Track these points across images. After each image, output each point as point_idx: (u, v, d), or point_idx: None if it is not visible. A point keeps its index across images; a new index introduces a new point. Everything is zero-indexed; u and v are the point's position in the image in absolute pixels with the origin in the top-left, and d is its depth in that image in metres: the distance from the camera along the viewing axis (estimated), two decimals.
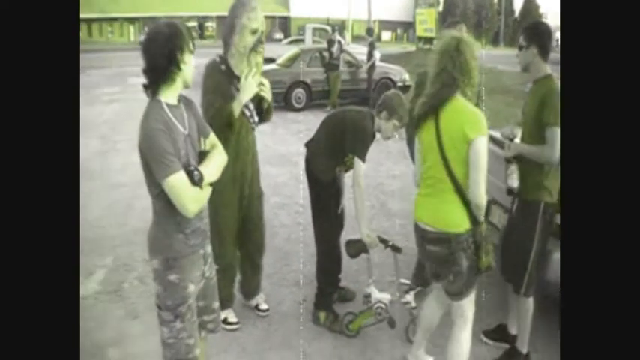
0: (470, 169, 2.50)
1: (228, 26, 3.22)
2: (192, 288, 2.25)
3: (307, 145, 3.68)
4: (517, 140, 3.23)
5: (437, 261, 2.64)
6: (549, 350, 3.31)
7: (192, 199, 2.08)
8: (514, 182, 3.00)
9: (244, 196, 3.47)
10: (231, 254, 3.52)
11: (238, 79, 3.22)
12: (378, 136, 3.50)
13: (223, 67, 3.26)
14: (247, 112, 3.34)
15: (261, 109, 3.47)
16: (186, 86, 2.19)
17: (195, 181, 2.08)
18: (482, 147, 2.49)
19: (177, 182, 2.03)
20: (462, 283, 2.62)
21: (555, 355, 3.13)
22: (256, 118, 3.44)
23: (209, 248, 2.41)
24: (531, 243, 2.99)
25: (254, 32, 3.18)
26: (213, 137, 2.37)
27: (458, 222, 2.55)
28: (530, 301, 3.12)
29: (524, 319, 3.15)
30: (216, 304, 2.51)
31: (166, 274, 2.19)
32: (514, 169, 3.01)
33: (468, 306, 2.75)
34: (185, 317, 2.22)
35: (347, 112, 3.60)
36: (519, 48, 3.06)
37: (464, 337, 2.78)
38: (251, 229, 3.58)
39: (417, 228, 2.75)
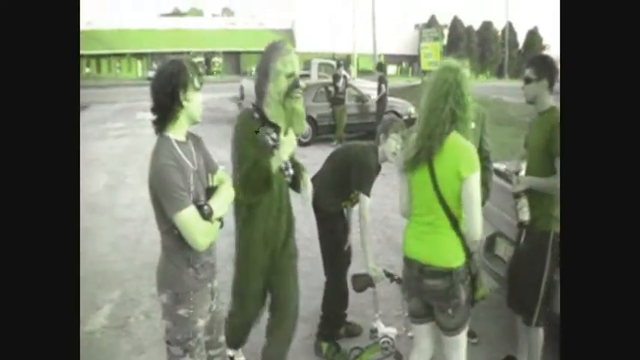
0: (465, 204, 2.46)
1: (261, 73, 2.97)
2: (201, 323, 2.28)
3: (313, 180, 3.72)
4: (522, 173, 3.27)
5: (436, 295, 2.59)
6: None
7: (202, 233, 2.12)
8: (525, 215, 3.03)
9: (275, 256, 3.11)
10: (252, 313, 3.25)
11: (274, 128, 2.94)
12: (384, 170, 3.54)
13: (257, 115, 2.96)
14: (282, 165, 3.00)
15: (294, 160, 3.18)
16: (193, 122, 2.25)
17: (206, 215, 2.13)
18: (476, 183, 2.46)
19: (188, 217, 2.08)
20: (461, 316, 2.60)
21: None
22: (291, 171, 3.13)
23: (216, 282, 2.44)
24: (542, 273, 3.00)
25: (289, 77, 2.92)
26: (220, 173, 2.42)
27: (456, 256, 2.54)
28: (541, 331, 3.12)
29: (535, 350, 3.15)
30: (222, 338, 2.53)
31: (176, 309, 2.22)
32: (525, 202, 3.04)
33: (463, 341, 2.70)
34: (194, 352, 2.24)
35: (351, 148, 3.67)
36: (526, 80, 3.11)
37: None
38: (282, 298, 3.21)
39: (411, 264, 2.67)
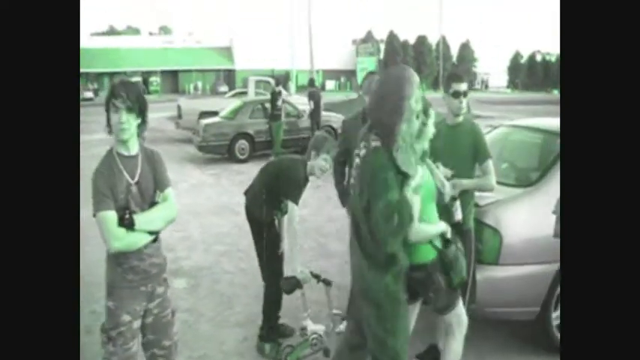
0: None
1: (392, 109, 2.48)
2: (127, 318, 2.51)
3: (246, 192, 4.04)
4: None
5: (418, 284, 2.84)
6: None
7: (115, 238, 2.38)
8: (459, 215, 3.38)
9: None
10: None
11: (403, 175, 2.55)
12: (319, 182, 3.85)
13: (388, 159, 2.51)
14: None
15: None
16: (120, 140, 2.47)
17: (125, 223, 2.39)
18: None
19: (104, 219, 2.37)
20: (443, 298, 2.88)
21: None
22: None
23: (162, 289, 2.67)
24: (469, 266, 3.34)
25: (418, 117, 2.53)
26: (167, 192, 2.63)
27: (427, 252, 2.80)
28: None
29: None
30: (169, 343, 2.73)
31: (107, 300, 2.53)
32: (458, 204, 3.38)
33: (454, 319, 3.00)
34: (117, 342, 2.50)
35: (282, 161, 4.04)
36: (463, 95, 3.46)
37: (455, 347, 3.06)
38: None
39: None
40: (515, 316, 3.79)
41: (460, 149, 3.50)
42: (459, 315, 3.05)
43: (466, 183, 3.46)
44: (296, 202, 3.70)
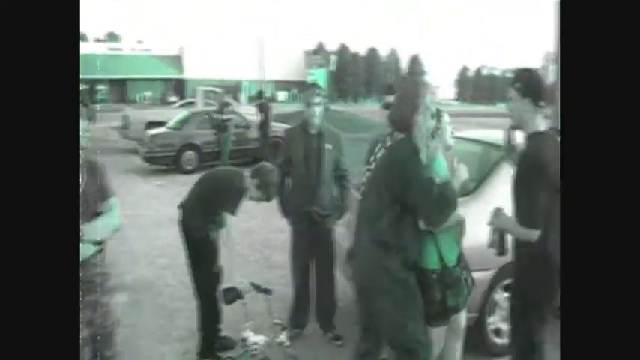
0: None
1: (410, 106, 2.74)
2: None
3: (182, 206, 3.98)
4: None
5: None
6: None
7: None
8: None
9: None
10: None
11: None
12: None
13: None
14: None
15: None
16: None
17: None
18: None
19: None
20: (435, 312, 2.87)
21: None
22: None
23: (107, 299, 2.72)
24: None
25: (433, 117, 2.74)
26: (111, 202, 2.66)
27: (431, 260, 2.84)
28: None
29: None
30: (110, 353, 2.77)
31: None
32: None
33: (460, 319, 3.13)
34: None
35: (217, 172, 4.01)
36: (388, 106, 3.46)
37: (459, 346, 3.20)
38: None
39: None
40: None
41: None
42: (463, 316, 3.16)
43: None
44: (232, 212, 3.66)
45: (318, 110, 4.01)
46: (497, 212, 2.88)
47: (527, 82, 2.73)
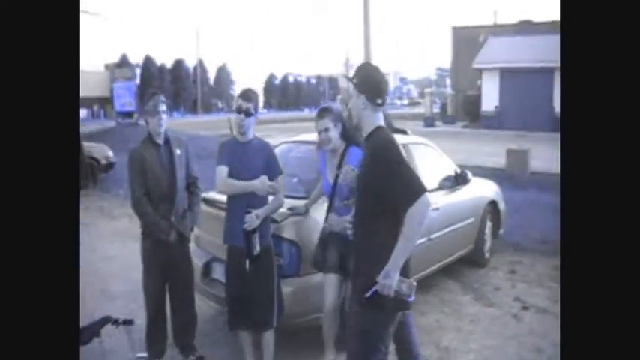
0: None
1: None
2: None
3: None
4: None
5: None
6: None
7: None
8: (258, 247, 3.51)
9: None
10: None
11: None
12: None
13: None
14: None
15: None
16: None
17: None
18: None
19: None
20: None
21: None
22: None
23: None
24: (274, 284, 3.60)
25: None
26: None
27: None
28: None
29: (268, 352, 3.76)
30: None
31: None
32: (258, 236, 3.50)
33: None
34: None
35: None
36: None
37: None
38: None
39: None
40: (323, 321, 3.88)
41: (254, 166, 3.57)
42: None
43: (262, 212, 3.51)
44: None
45: (164, 118, 3.78)
46: None
47: (364, 78, 2.68)
